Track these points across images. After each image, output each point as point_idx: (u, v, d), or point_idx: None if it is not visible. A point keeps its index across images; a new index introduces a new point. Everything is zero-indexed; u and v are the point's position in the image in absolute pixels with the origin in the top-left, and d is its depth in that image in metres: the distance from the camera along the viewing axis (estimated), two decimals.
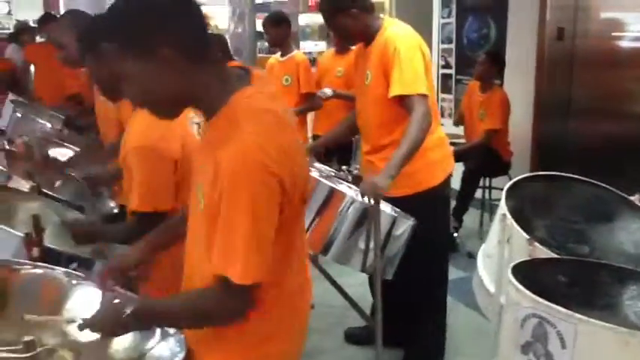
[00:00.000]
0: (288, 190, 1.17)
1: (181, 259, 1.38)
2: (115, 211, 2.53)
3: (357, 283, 2.81)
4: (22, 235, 1.60)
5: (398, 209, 2.34)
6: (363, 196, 2.12)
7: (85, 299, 1.49)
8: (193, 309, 1.25)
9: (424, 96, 2.30)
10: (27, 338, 0.98)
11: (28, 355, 0.94)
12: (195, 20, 1.19)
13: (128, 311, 1.23)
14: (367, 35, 2.45)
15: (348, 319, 3.13)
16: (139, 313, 1.24)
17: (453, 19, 5.38)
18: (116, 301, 1.29)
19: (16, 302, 1.45)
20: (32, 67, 5.43)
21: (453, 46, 5.43)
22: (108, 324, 1.27)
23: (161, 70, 1.15)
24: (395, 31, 2.39)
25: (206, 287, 1.22)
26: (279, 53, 4.37)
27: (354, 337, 3.08)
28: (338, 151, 3.78)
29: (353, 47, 4.44)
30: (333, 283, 2.48)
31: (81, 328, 1.27)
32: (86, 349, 1.21)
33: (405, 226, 2.26)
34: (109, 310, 1.28)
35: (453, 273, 2.94)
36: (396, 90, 2.32)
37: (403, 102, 2.32)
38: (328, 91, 4.08)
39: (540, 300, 1.34)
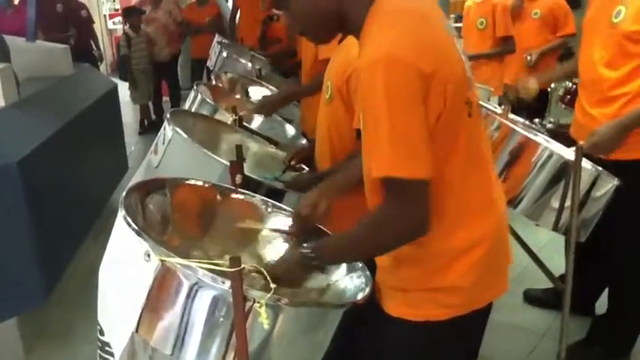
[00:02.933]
0: (436, 85, 1.10)
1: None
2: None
3: (539, 245, 2.62)
4: (227, 163, 1.74)
5: (601, 168, 2.11)
6: (578, 151, 1.93)
7: (278, 226, 1.60)
8: (368, 228, 1.21)
9: None
10: (233, 255, 1.05)
11: (232, 270, 1.01)
12: None
13: (307, 251, 1.30)
14: None
15: (528, 279, 2.98)
16: (318, 249, 1.30)
17: None
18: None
19: (219, 223, 1.59)
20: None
21: None
22: (292, 267, 1.36)
23: None
24: None
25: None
26: None
27: (534, 299, 2.93)
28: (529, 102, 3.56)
29: None
30: (518, 238, 2.34)
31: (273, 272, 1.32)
32: (278, 275, 1.28)
33: (608, 186, 2.04)
34: (292, 255, 1.36)
35: None
36: None
37: None
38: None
39: None
